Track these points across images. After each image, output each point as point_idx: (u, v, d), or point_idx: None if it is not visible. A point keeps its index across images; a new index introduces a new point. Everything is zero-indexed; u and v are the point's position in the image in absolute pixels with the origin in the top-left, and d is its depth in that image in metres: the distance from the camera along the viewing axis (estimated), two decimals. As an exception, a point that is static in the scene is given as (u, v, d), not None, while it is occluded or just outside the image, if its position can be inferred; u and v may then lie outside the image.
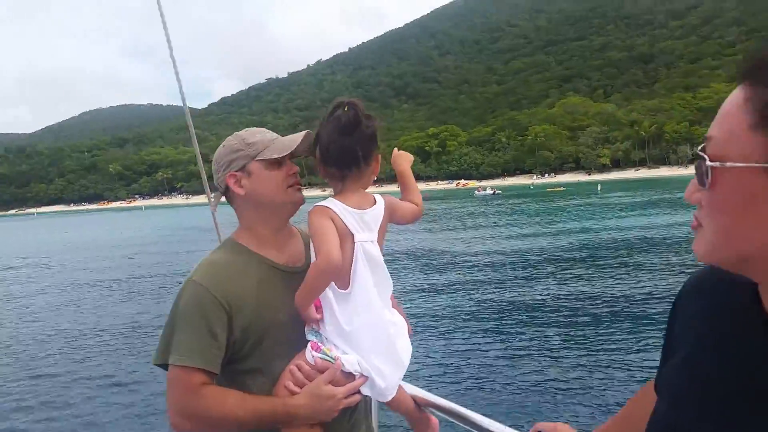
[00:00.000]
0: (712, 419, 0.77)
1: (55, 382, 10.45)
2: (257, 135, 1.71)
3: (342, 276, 1.55)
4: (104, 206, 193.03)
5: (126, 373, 10.49)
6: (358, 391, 1.59)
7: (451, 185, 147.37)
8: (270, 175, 1.66)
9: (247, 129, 1.75)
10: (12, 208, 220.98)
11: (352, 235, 1.57)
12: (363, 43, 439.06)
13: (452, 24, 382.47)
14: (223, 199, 1.77)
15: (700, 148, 0.70)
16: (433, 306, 14.19)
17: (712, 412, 0.77)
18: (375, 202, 1.64)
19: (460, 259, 22.29)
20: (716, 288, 0.81)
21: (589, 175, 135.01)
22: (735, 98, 0.67)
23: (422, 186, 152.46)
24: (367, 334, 1.58)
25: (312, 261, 1.57)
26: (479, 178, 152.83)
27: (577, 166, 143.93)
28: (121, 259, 30.04)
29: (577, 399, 8.08)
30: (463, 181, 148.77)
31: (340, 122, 1.55)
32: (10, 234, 66.51)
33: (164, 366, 1.56)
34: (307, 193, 1.70)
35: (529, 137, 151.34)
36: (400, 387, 1.70)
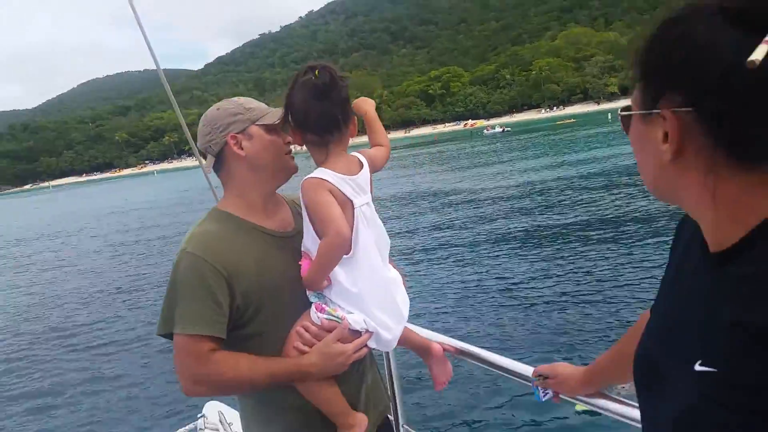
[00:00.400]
0: (666, 349, 0.83)
1: (66, 342, 11.11)
2: (252, 102, 1.73)
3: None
4: (116, 174, 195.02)
5: (140, 337, 10.86)
6: (365, 345, 1.64)
7: (458, 126, 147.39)
8: (271, 140, 1.67)
9: (235, 98, 1.75)
10: (27, 183, 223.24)
11: (351, 201, 1.57)
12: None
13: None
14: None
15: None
16: (443, 244, 14.47)
17: (667, 343, 0.83)
18: (361, 164, 1.65)
19: (474, 197, 22.48)
20: (691, 221, 0.84)
21: (599, 104, 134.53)
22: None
23: (429, 129, 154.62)
24: (371, 294, 1.61)
25: (306, 234, 1.62)
26: (486, 117, 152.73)
27: (585, 97, 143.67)
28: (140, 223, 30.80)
29: (581, 333, 8.03)
30: (470, 122, 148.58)
31: (316, 86, 1.52)
32: (38, 207, 67.97)
33: (168, 336, 1.58)
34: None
35: (534, 71, 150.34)
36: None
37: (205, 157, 1.74)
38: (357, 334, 1.61)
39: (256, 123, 1.67)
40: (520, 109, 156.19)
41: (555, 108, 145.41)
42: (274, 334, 1.63)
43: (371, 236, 1.63)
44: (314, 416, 1.68)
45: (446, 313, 9.66)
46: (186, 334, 1.52)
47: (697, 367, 0.71)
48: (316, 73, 1.53)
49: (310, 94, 1.53)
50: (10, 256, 26.08)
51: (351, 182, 1.58)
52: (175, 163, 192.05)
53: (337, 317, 1.59)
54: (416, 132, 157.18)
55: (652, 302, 1.01)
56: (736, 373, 0.66)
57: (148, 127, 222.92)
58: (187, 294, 1.54)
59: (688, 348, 0.75)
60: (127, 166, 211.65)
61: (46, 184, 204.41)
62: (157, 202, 44.65)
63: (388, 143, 1.77)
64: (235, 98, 1.74)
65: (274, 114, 1.68)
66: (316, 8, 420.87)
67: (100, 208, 47.69)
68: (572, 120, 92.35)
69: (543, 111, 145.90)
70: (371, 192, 1.67)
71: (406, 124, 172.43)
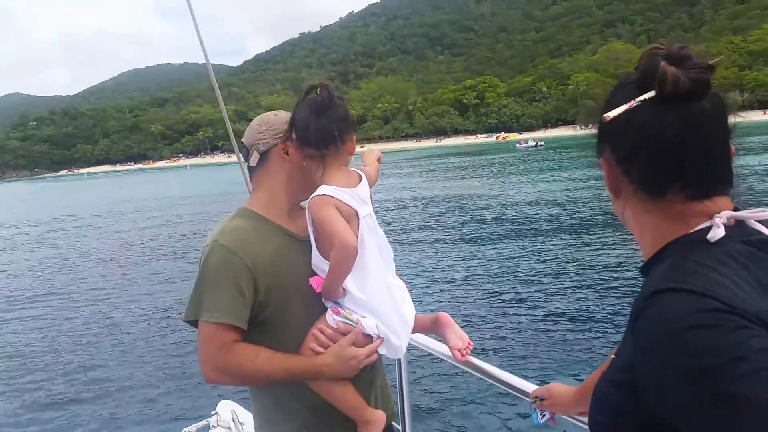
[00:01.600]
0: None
1: (88, 332, 11.62)
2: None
3: None
4: (150, 165, 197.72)
5: (162, 327, 11.50)
6: (376, 351, 1.72)
7: (490, 138, 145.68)
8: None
9: (279, 111, 1.87)
10: (62, 169, 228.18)
11: (356, 212, 1.67)
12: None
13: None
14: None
15: None
16: (456, 255, 15.08)
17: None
18: (359, 177, 1.75)
19: (499, 211, 23.04)
20: None
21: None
22: None
23: (461, 140, 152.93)
24: (379, 300, 1.70)
25: (314, 251, 1.71)
26: (520, 131, 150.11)
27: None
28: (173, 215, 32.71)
29: (584, 351, 8.52)
30: (503, 134, 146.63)
31: (315, 103, 1.64)
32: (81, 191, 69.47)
33: (193, 323, 1.67)
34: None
35: (571, 86, 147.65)
36: None
37: (247, 154, 1.82)
38: (369, 338, 1.69)
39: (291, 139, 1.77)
40: (554, 124, 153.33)
41: (591, 125, 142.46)
42: (291, 332, 1.70)
43: (375, 245, 1.71)
44: (330, 415, 1.74)
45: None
46: (212, 322, 1.60)
47: (611, 356, 0.91)
48: (317, 90, 1.65)
49: (309, 111, 1.65)
50: (43, 238, 27.77)
51: (353, 194, 1.67)
52: (208, 159, 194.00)
53: (352, 321, 1.67)
54: (447, 142, 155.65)
55: None
56: (621, 354, 0.85)
57: (184, 121, 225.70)
58: (216, 284, 1.62)
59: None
60: (161, 158, 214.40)
61: (82, 171, 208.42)
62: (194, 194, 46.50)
63: (371, 162, 1.91)
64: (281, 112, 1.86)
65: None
66: (356, 9, 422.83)
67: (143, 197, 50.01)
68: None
69: (579, 128, 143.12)
70: (371, 203, 1.76)
71: (438, 133, 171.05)
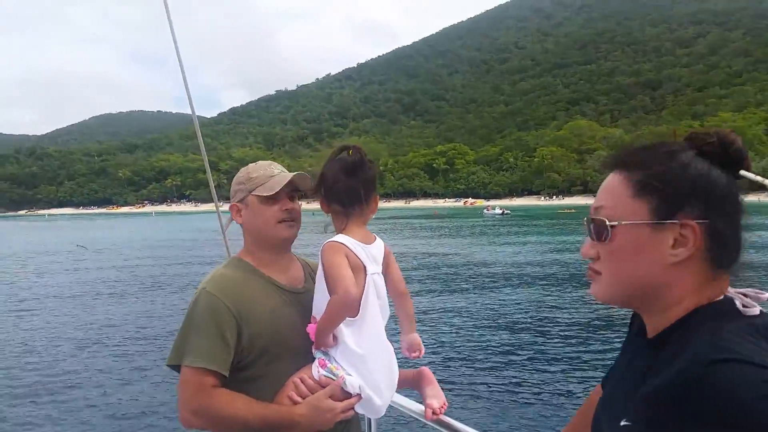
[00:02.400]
0: (607, 414, 1.04)
1: (64, 379, 10.64)
2: (260, 170, 1.86)
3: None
4: (113, 210, 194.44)
5: (136, 372, 10.80)
6: (353, 408, 1.73)
7: (458, 203, 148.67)
8: (261, 209, 1.82)
9: (257, 162, 1.91)
10: (22, 209, 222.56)
11: (365, 267, 1.70)
12: (372, 59, 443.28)
13: (461, 44, 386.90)
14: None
15: (592, 213, 1.00)
16: (437, 320, 14.87)
17: (608, 408, 1.05)
18: (375, 239, 1.81)
19: (476, 269, 23.60)
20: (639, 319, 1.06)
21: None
22: (613, 179, 0.99)
23: (429, 202, 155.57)
24: (374, 357, 1.71)
25: (319, 296, 1.73)
26: (487, 197, 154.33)
27: (585, 189, 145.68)
28: (136, 260, 31.40)
29: (551, 406, 8.60)
30: (470, 200, 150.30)
31: (346, 163, 1.70)
32: (35, 234, 67.94)
33: (176, 368, 1.70)
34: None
35: (537, 158, 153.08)
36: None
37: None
38: (349, 395, 1.69)
39: (253, 193, 1.83)
40: (520, 194, 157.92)
41: (555, 197, 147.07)
42: (272, 382, 1.72)
43: (377, 304, 1.74)
44: None
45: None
46: (193, 366, 1.64)
47: (622, 423, 0.90)
48: (349, 152, 1.71)
49: (340, 170, 1.70)
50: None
51: (365, 250, 1.71)
52: (174, 207, 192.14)
53: (335, 375, 1.67)
54: (416, 203, 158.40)
55: (602, 377, 1.29)
56: (638, 424, 0.87)
57: (153, 168, 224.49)
58: (200, 329, 1.67)
59: (619, 410, 0.93)
60: (126, 204, 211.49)
61: (42, 212, 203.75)
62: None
63: (408, 309, 1.94)
64: (254, 164, 1.90)
65: (271, 183, 1.81)
66: (333, 72, 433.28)
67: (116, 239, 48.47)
68: (573, 210, 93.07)
69: (543, 198, 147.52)
70: (385, 270, 1.81)
71: (408, 194, 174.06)
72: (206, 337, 1.66)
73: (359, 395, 1.70)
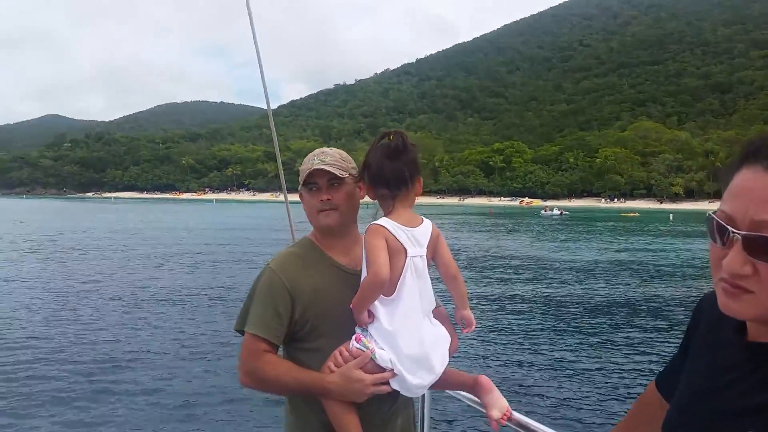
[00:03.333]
0: (691, 424, 0.96)
1: (142, 342, 11.90)
2: (306, 162, 1.95)
3: (390, 285, 1.73)
4: (176, 196, 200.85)
5: (208, 337, 12.20)
6: (389, 384, 1.78)
7: (514, 202, 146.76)
8: (306, 200, 1.96)
9: (310, 153, 1.99)
10: (89, 191, 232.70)
11: (405, 250, 1.76)
12: (431, 54, 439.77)
13: (522, 41, 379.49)
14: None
15: (752, 227, 0.82)
16: (492, 314, 15.33)
17: (694, 418, 0.96)
18: (422, 221, 1.85)
19: (534, 271, 23.62)
20: (716, 311, 0.94)
21: (661, 203, 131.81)
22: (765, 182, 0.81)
23: (484, 200, 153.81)
24: (404, 337, 1.76)
25: (363, 274, 1.80)
26: (544, 198, 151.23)
27: (648, 193, 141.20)
28: (206, 241, 34.49)
29: (608, 402, 8.89)
30: (527, 199, 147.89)
31: (388, 148, 1.76)
32: (106, 216, 71.05)
33: (241, 332, 1.90)
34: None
35: (599, 159, 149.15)
36: (447, 368, 1.88)
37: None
38: (382, 370, 1.76)
39: (302, 185, 1.97)
40: (579, 195, 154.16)
41: (616, 199, 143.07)
42: (323, 354, 1.85)
43: (416, 286, 1.79)
44: None
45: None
46: (250, 333, 1.84)
47: None
48: (391, 137, 1.78)
49: (384, 155, 1.76)
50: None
51: (408, 233, 1.77)
52: (233, 195, 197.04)
53: (366, 348, 1.76)
54: (470, 201, 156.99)
55: (656, 375, 1.25)
56: None
57: (215, 157, 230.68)
58: (258, 301, 1.86)
59: (726, 418, 0.88)
60: (188, 191, 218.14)
61: (108, 195, 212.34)
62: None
63: (460, 290, 1.94)
64: (311, 153, 1.99)
65: (301, 177, 1.94)
66: (392, 67, 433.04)
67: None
68: (636, 213, 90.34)
69: (603, 200, 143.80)
70: (429, 255, 1.84)
71: (462, 191, 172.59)
72: (263, 308, 1.84)
73: (392, 371, 1.76)
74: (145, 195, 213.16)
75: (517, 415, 1.85)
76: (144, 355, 11.03)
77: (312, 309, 1.85)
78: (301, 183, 1.95)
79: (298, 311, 1.85)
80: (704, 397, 0.96)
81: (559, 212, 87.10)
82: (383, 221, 1.76)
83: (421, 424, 2.28)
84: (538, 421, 1.80)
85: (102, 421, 8.03)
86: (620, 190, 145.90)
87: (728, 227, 0.85)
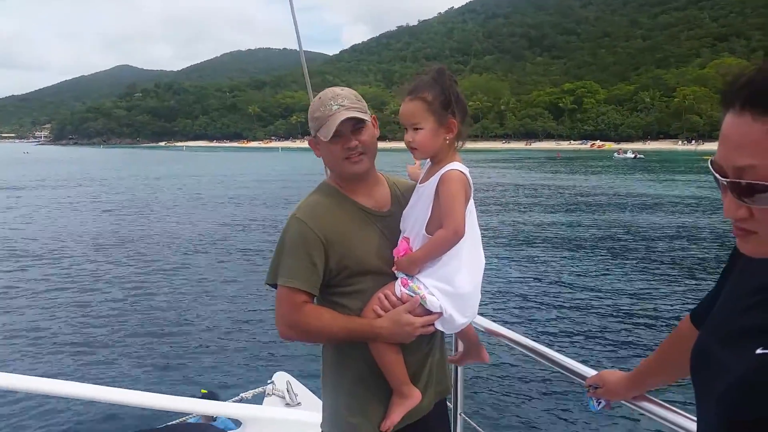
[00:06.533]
0: (723, 341, 1.01)
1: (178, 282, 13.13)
2: (322, 107, 1.83)
3: None
4: (244, 144, 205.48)
5: (244, 287, 12.73)
6: (434, 325, 1.81)
7: (584, 146, 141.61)
8: (327, 148, 1.85)
9: (321, 95, 1.85)
10: (162, 141, 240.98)
11: (470, 198, 1.75)
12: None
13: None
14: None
15: (734, 174, 0.83)
16: (527, 243, 16.59)
17: (725, 337, 1.01)
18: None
19: (600, 214, 23.34)
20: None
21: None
22: (753, 128, 0.80)
23: (552, 145, 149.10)
24: (461, 280, 1.78)
25: (411, 218, 1.84)
26: (617, 140, 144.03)
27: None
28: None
29: (631, 339, 9.36)
30: (598, 142, 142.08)
31: (457, 84, 1.69)
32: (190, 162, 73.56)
33: (273, 286, 1.88)
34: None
35: (677, 99, 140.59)
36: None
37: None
38: (429, 313, 1.78)
39: (318, 134, 1.85)
40: (655, 137, 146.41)
41: (693, 141, 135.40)
42: (358, 298, 1.86)
43: (470, 234, 1.77)
44: (382, 374, 1.89)
45: (518, 308, 11.22)
46: (286, 286, 1.81)
47: (758, 351, 0.88)
48: (443, 70, 1.72)
49: (460, 91, 1.69)
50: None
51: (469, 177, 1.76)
52: (298, 143, 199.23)
53: (417, 294, 1.76)
54: (538, 145, 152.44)
55: (692, 310, 1.29)
56: None
57: (279, 104, 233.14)
58: (291, 253, 1.83)
59: (749, 340, 0.92)
60: (255, 139, 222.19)
61: (179, 144, 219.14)
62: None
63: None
64: (320, 95, 1.86)
65: (328, 129, 1.79)
66: (456, 5, 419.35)
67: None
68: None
69: (681, 143, 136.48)
70: None
71: (529, 135, 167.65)
72: (296, 260, 1.81)
73: (440, 313, 1.78)
74: (214, 143, 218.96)
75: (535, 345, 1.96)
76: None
77: (345, 254, 1.84)
78: (320, 131, 1.82)
79: (333, 259, 1.83)
80: (734, 316, 1.00)
81: (633, 155, 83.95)
82: (463, 168, 1.72)
83: (455, 366, 2.32)
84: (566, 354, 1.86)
85: (158, 362, 8.75)
86: (699, 132, 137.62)
87: (717, 175, 0.86)
